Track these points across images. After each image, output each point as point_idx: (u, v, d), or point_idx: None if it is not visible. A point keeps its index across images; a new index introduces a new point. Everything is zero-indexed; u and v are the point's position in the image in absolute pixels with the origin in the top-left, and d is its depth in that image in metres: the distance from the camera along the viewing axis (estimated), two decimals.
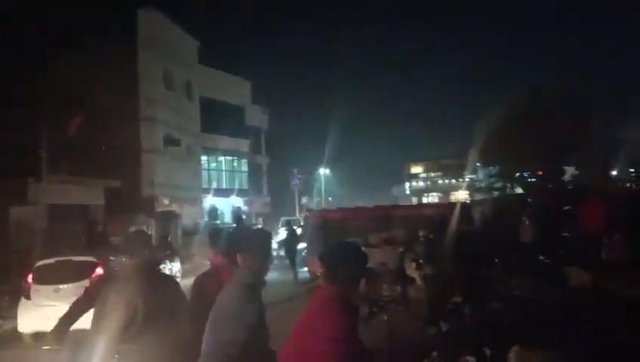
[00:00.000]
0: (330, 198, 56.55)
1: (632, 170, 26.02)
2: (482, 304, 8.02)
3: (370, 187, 70.64)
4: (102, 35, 23.01)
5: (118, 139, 22.49)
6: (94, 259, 8.87)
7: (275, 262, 18.88)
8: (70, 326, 3.54)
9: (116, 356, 3.15)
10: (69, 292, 7.77)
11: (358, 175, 71.06)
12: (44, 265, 9.00)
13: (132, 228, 18.56)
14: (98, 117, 22.06)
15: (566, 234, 12.62)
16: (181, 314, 3.32)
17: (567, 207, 14.69)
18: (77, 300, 3.65)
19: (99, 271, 8.39)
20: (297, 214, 37.85)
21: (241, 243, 2.69)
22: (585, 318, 7.44)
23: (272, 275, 15.67)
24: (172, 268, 14.33)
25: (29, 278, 8.78)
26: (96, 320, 3.29)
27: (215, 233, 3.90)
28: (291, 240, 15.45)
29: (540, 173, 21.50)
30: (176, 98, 27.30)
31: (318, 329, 2.17)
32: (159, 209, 24.04)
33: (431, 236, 7.50)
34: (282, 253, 17.10)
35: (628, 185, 21.87)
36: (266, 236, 2.82)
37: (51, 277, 8.61)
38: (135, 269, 3.34)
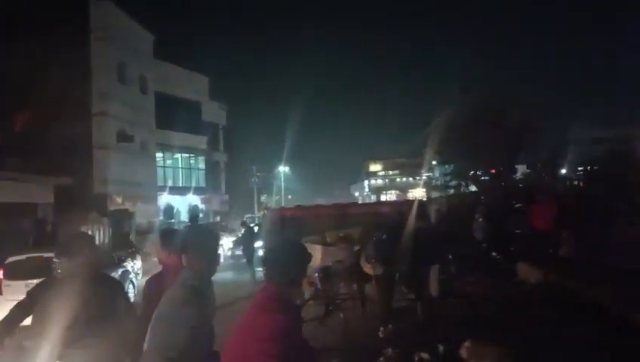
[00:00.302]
0: (289, 196, 56.52)
1: (580, 168, 27.19)
2: (434, 300, 8.13)
3: (331, 185, 71.19)
4: (52, 25, 22.16)
5: (69, 135, 21.74)
6: None
7: (231, 261, 18.68)
8: (12, 330, 3.38)
9: (58, 361, 3.02)
10: None
11: (319, 173, 71.48)
12: (15, 261, 9.42)
13: (83, 228, 17.97)
14: (48, 111, 21.23)
15: (518, 231, 13.00)
16: (125, 315, 3.21)
17: (518, 205, 15.15)
18: (19, 303, 3.49)
19: None
20: (256, 212, 37.58)
21: (186, 243, 2.61)
22: (535, 314, 7.68)
23: (228, 274, 15.48)
24: (134, 265, 13.93)
25: (0, 274, 9.24)
26: (37, 324, 3.15)
27: (167, 233, 3.79)
28: (249, 238, 15.27)
29: (493, 171, 22.12)
30: (131, 92, 26.51)
31: (255, 330, 2.17)
32: (112, 207, 23.33)
33: (383, 236, 7.56)
34: (239, 251, 16.88)
35: (575, 183, 22.79)
36: (212, 236, 2.74)
37: (22, 272, 8.92)
38: (76, 271, 3.20)
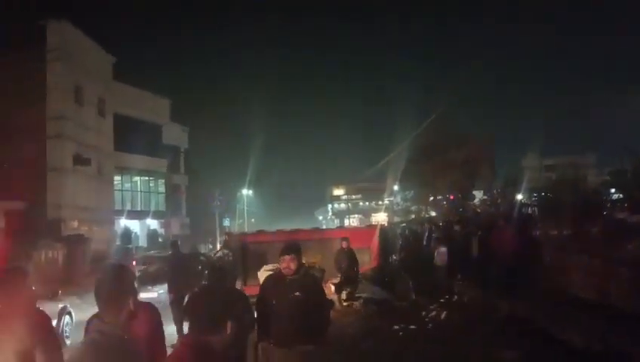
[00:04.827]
0: (252, 220, 55.93)
1: (535, 194, 27.98)
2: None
3: (295, 209, 70.97)
4: (7, 45, 21.58)
5: (23, 157, 21.02)
6: None
7: None
8: None
9: None
10: None
11: (282, 196, 71.20)
12: None
13: (36, 254, 17.22)
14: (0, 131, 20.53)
15: (478, 257, 13.14)
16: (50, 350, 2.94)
17: (477, 232, 15.38)
18: None
19: None
20: (218, 236, 36.95)
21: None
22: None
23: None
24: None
25: None
26: None
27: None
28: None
29: (452, 197, 22.59)
30: (88, 114, 25.95)
31: None
32: (67, 232, 22.53)
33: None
34: None
35: (530, 209, 23.39)
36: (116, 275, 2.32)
37: None
38: (12, 312, 2.94)
